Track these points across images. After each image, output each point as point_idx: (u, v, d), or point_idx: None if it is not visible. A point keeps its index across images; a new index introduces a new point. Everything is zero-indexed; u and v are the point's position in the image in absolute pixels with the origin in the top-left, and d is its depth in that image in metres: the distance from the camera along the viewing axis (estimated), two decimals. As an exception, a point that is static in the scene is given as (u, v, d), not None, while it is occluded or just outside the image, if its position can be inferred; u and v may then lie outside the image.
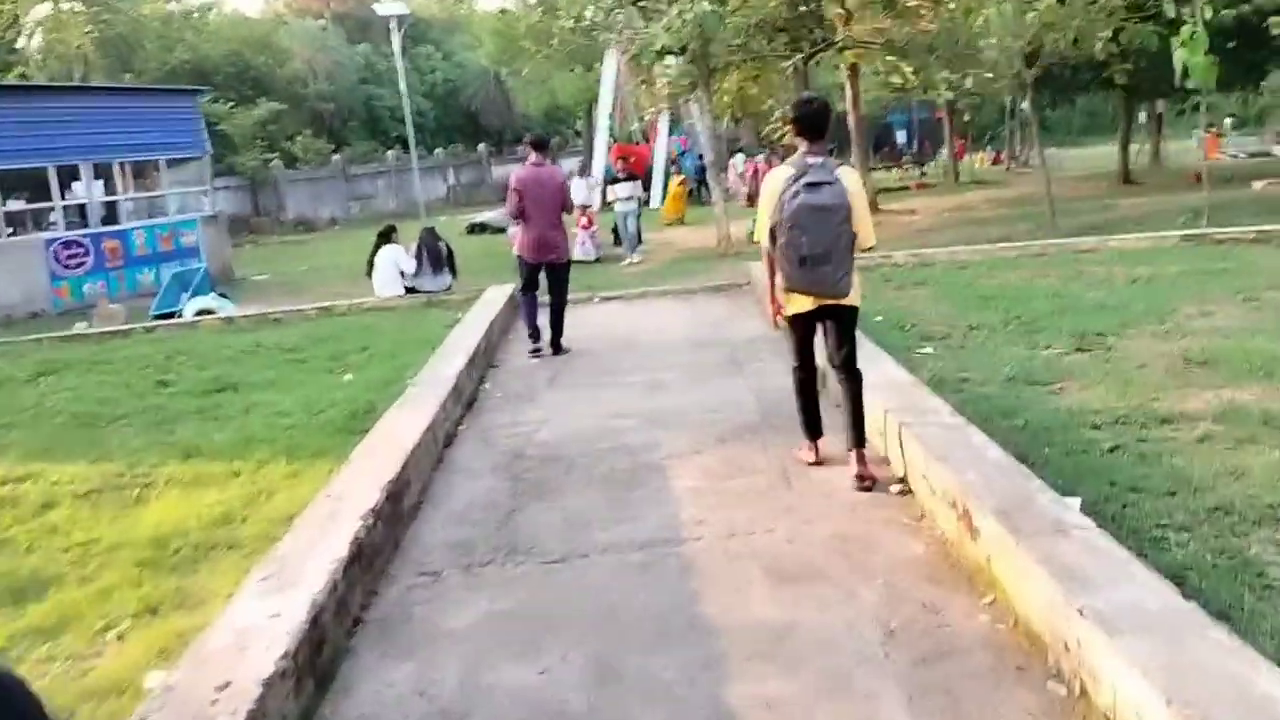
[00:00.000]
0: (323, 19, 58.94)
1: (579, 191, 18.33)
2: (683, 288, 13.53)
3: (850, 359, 5.29)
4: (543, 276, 9.73)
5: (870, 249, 5.24)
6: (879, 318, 9.61)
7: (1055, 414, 6.01)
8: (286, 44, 53.55)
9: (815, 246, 4.87)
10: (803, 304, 5.18)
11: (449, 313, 12.69)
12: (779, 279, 5.16)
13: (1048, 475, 4.58)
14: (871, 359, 6.77)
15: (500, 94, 61.74)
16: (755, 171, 35.19)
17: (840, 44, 22.25)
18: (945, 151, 41.03)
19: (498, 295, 12.44)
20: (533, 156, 9.55)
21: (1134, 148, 51.72)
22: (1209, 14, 13.02)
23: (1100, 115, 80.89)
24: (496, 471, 6.01)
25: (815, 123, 5.05)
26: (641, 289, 13.66)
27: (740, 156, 34.90)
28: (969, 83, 16.71)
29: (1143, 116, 60.21)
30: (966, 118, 43.22)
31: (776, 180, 5.07)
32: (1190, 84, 13.27)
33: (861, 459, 5.12)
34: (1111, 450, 5.20)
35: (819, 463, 5.46)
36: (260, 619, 3.55)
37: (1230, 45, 17.93)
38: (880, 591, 3.95)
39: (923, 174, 41.00)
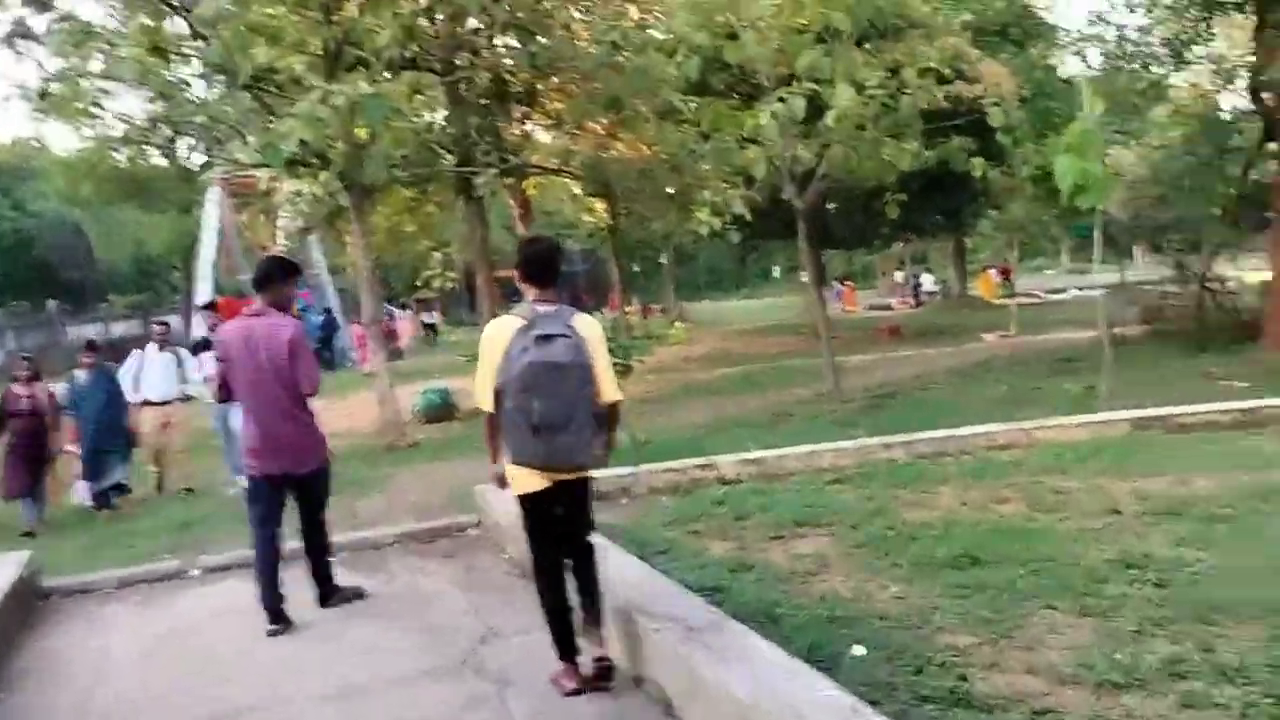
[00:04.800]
0: None
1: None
2: (356, 534, 7.62)
3: (586, 539, 4.49)
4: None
5: (615, 404, 4.42)
6: (858, 649, 4.34)
7: None
8: None
9: (551, 413, 4.07)
10: (534, 482, 4.30)
11: None
12: (506, 454, 4.29)
13: None
14: None
15: (80, 243, 52.49)
16: (390, 333, 29.46)
17: (526, 167, 17.53)
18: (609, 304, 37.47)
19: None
20: (255, 302, 5.83)
21: (779, 301, 51.32)
22: (1099, 108, 9.24)
23: (719, 271, 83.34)
24: None
25: (545, 265, 4.41)
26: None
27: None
28: (737, 205, 12.15)
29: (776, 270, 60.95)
30: (636, 267, 40.09)
31: (501, 332, 4.26)
32: (1083, 203, 9.31)
33: (600, 639, 4.39)
34: None
35: (582, 690, 4.23)
36: None
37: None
38: None
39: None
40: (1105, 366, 9.72)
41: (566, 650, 4.41)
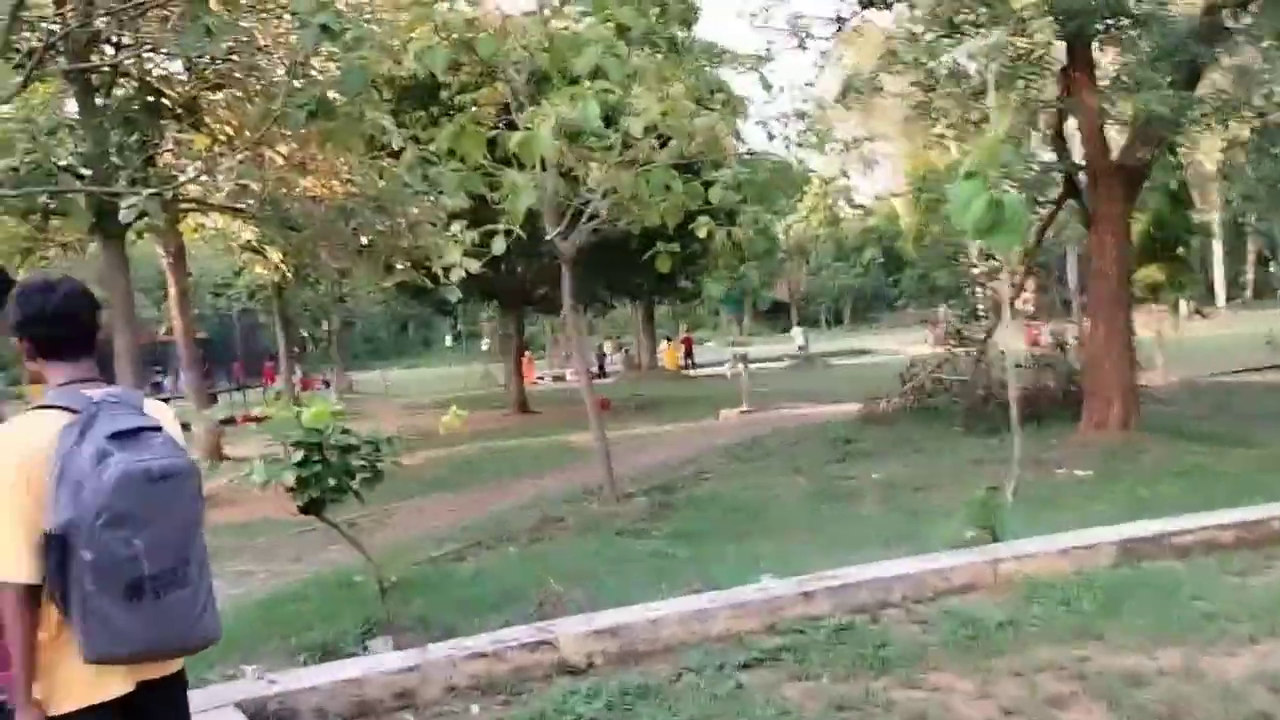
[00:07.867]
0: None
1: None
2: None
3: None
4: None
5: None
6: None
7: None
8: None
9: (162, 554, 2.29)
10: (104, 685, 2.34)
11: None
12: (72, 647, 2.28)
13: None
14: None
15: None
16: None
17: (186, 202, 13.81)
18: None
19: None
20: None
21: (451, 370, 48.13)
22: (1004, 124, 7.18)
23: (377, 340, 79.24)
24: None
25: (77, 326, 2.47)
26: None
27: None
28: (498, 246, 9.08)
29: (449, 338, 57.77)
30: (304, 332, 35.64)
31: (36, 441, 2.30)
32: (994, 245, 7.21)
33: None
34: None
35: None
36: None
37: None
38: None
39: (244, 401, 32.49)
40: (1014, 461, 7.44)
41: None
